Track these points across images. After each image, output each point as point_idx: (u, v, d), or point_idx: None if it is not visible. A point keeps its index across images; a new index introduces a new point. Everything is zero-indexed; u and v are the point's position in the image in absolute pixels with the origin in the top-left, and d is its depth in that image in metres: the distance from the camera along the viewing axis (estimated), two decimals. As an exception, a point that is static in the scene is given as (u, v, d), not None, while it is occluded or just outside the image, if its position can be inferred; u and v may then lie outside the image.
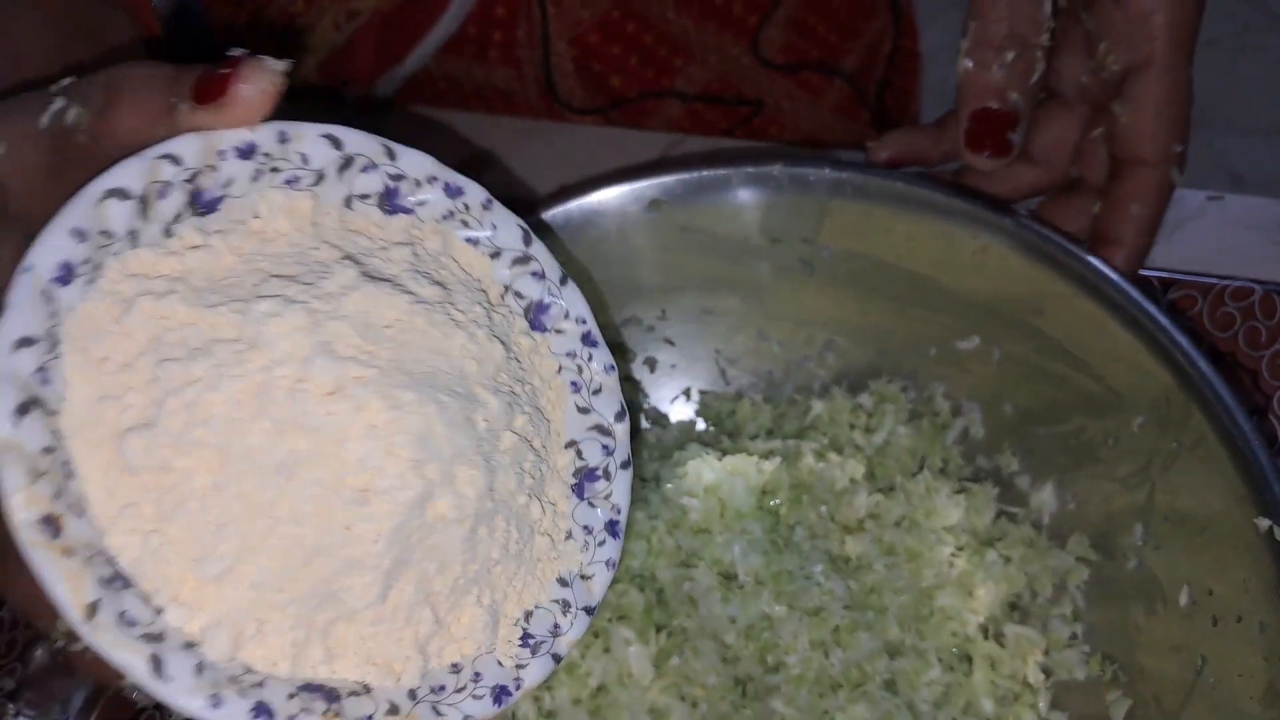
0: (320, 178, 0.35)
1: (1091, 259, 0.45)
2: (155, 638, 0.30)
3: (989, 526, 0.51)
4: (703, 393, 0.58)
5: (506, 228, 0.38)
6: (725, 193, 0.50)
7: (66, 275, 0.30)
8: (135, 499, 0.30)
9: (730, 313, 0.56)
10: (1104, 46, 0.46)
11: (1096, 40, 0.46)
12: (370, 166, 0.36)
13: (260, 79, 0.31)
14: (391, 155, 0.36)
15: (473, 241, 0.38)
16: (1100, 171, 0.50)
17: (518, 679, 0.35)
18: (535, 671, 0.36)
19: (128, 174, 0.31)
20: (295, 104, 0.34)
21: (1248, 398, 0.54)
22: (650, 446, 0.56)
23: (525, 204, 0.39)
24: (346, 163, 0.35)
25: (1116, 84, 0.46)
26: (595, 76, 0.73)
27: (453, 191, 0.37)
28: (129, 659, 0.29)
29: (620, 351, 0.57)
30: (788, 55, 0.75)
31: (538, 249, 0.39)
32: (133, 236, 0.31)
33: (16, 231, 0.32)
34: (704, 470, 0.50)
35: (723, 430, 0.57)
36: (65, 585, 0.28)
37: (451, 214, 0.37)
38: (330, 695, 0.32)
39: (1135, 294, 0.44)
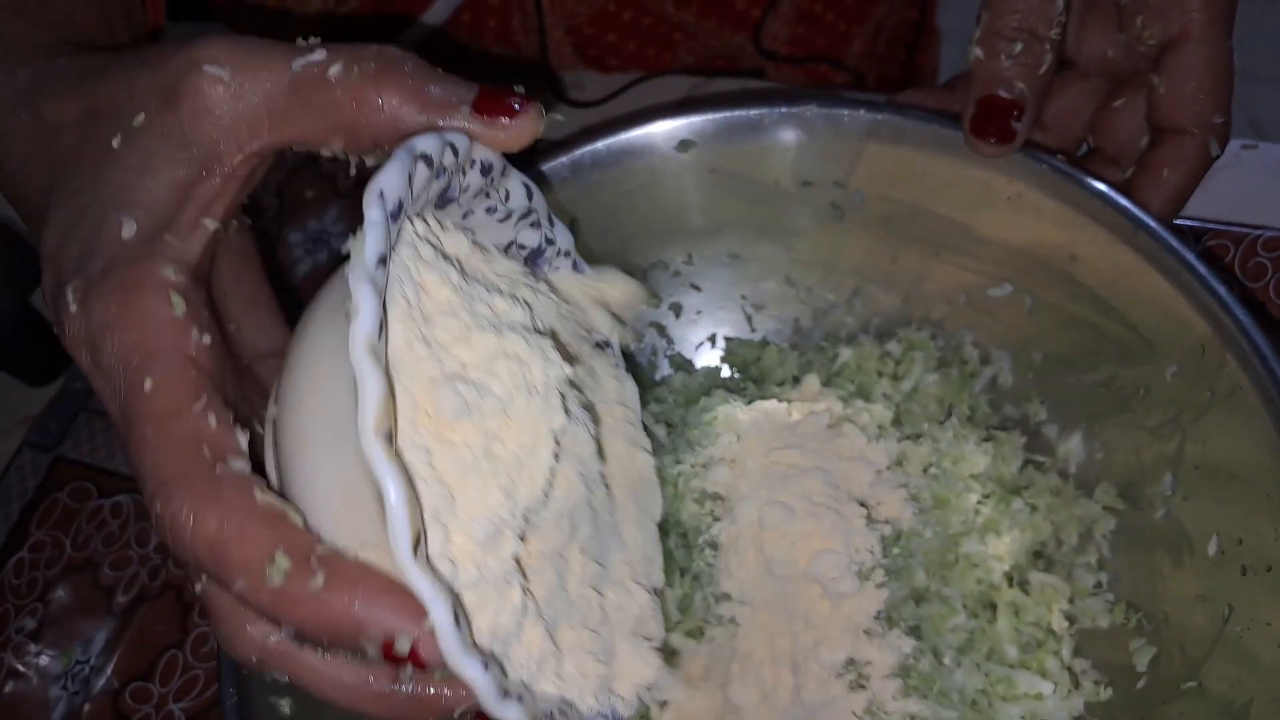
0: (507, 216, 0.38)
1: (1129, 206, 0.44)
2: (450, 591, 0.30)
3: (1015, 475, 0.51)
4: (728, 339, 0.58)
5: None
6: (757, 134, 0.50)
7: (396, 212, 0.30)
8: (428, 445, 0.30)
9: (758, 258, 0.55)
10: (1140, 20, 0.46)
11: (1131, 14, 0.46)
12: (536, 224, 0.39)
13: (537, 120, 0.34)
14: (551, 222, 0.40)
15: None
16: (1118, 142, 0.50)
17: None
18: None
19: (431, 145, 0.31)
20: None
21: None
22: (675, 392, 0.56)
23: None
24: (526, 213, 0.38)
25: (1154, 57, 0.46)
26: (593, 61, 0.72)
27: (579, 269, 0.42)
28: (438, 600, 0.28)
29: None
30: (792, 48, 0.75)
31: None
32: (415, 202, 0.32)
33: (194, 153, 0.33)
34: (734, 414, 0.50)
35: (748, 377, 0.56)
36: (406, 511, 0.27)
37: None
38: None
39: (1174, 241, 0.43)
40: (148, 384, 0.31)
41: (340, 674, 0.32)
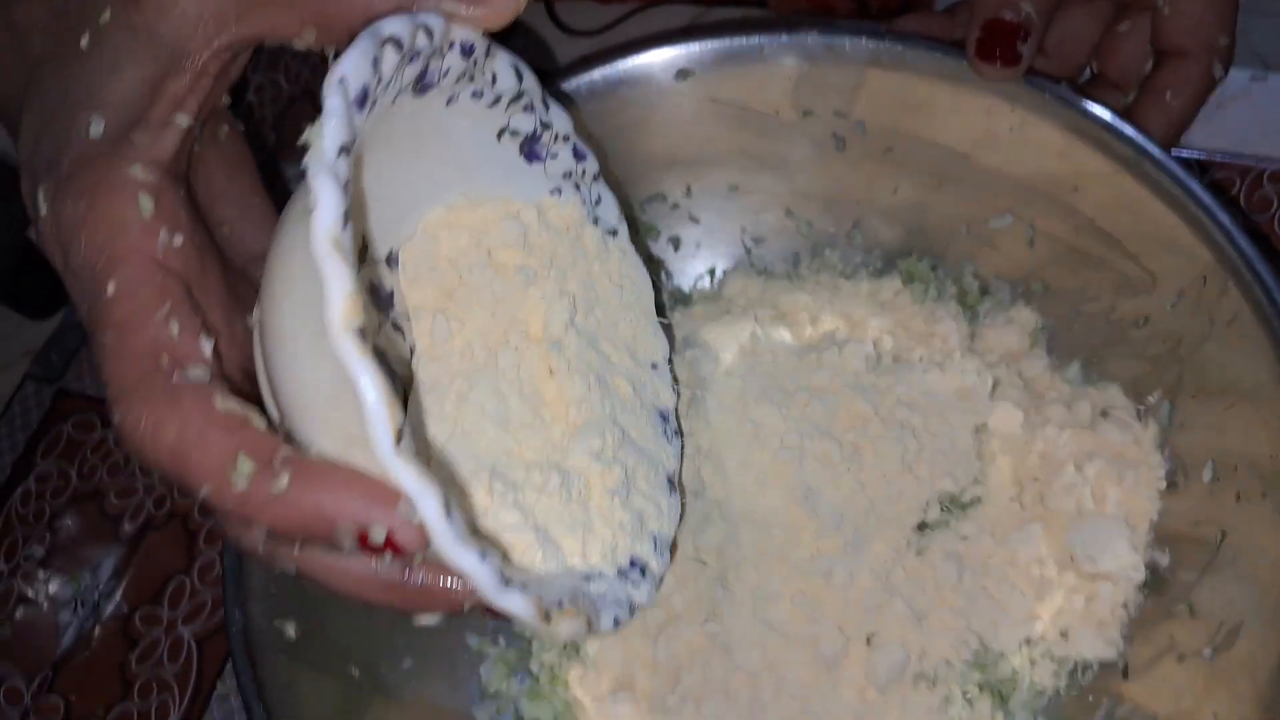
0: (496, 101, 0.37)
1: (1134, 134, 0.44)
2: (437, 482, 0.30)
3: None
4: (728, 273, 0.57)
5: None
6: (757, 62, 0.49)
7: (362, 99, 0.29)
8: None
9: (758, 190, 0.55)
10: None
11: None
12: (529, 108, 0.38)
13: None
14: (546, 105, 0.39)
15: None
16: (1122, 67, 0.49)
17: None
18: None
19: (400, 27, 0.30)
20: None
21: None
22: (675, 325, 0.56)
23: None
24: (517, 97, 0.37)
25: None
26: None
27: (580, 154, 0.41)
28: (426, 492, 0.28)
29: (643, 229, 0.57)
30: None
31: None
32: (386, 89, 0.31)
33: (161, 50, 0.32)
34: (738, 333, 0.50)
35: (747, 310, 0.56)
36: (384, 406, 0.27)
37: (569, 174, 0.41)
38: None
39: (1178, 170, 0.43)
40: (110, 288, 0.30)
41: (345, 564, 0.31)
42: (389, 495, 0.28)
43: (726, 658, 0.46)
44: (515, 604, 0.29)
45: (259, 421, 0.30)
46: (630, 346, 0.43)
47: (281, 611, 0.44)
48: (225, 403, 0.30)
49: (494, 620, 0.31)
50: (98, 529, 0.61)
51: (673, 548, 0.41)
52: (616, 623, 0.35)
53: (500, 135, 0.39)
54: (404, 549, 0.28)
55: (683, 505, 0.43)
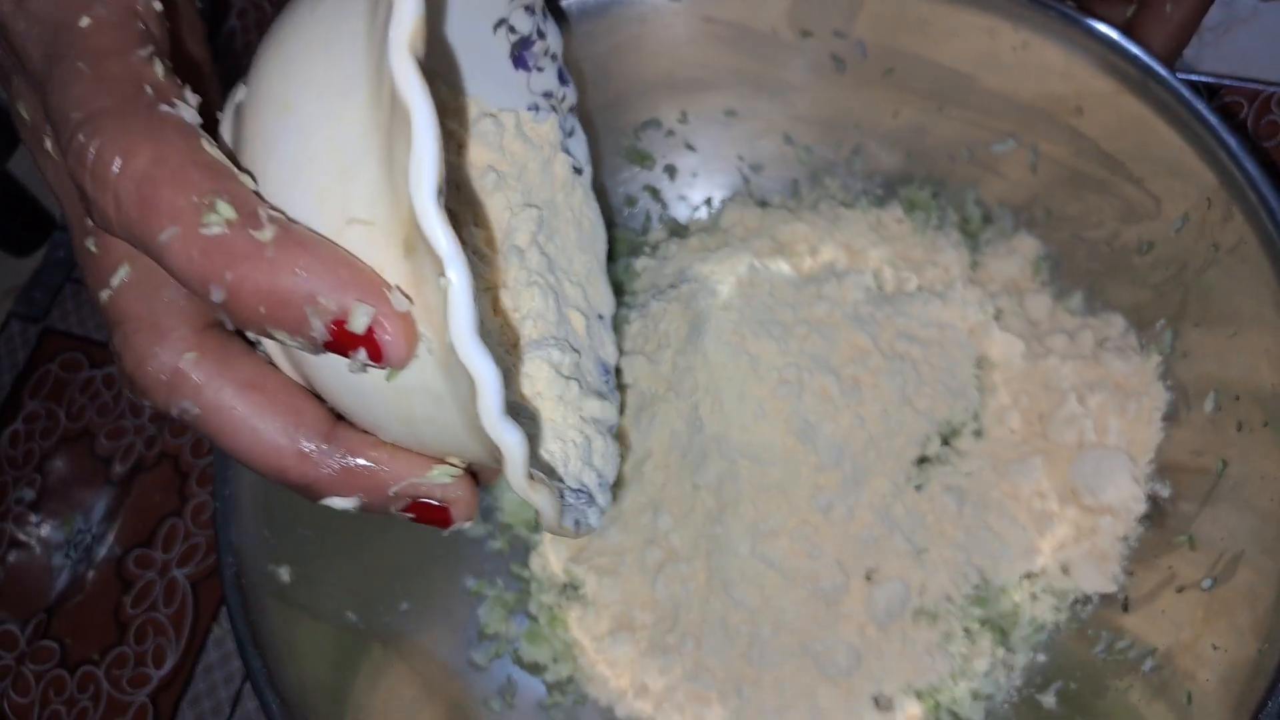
0: None
1: (1139, 53, 0.43)
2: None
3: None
4: (725, 203, 0.56)
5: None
6: (754, -19, 0.47)
7: None
8: None
9: (755, 115, 0.54)
10: None
11: None
12: (530, 9, 0.37)
13: None
14: (545, 14, 0.39)
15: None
16: None
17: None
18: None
19: None
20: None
21: None
22: (674, 258, 0.55)
23: None
24: None
25: None
26: None
27: (564, 79, 0.41)
28: (456, 259, 0.24)
29: (638, 158, 0.55)
30: None
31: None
32: None
33: None
34: (735, 266, 0.49)
35: (745, 240, 0.55)
36: (434, 141, 0.24)
37: (549, 94, 0.41)
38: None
39: (1183, 90, 0.42)
40: (85, 20, 0.27)
41: (261, 420, 0.28)
42: (381, 282, 0.25)
43: (725, 595, 0.45)
44: (512, 439, 0.26)
45: (247, 179, 0.26)
46: (584, 287, 0.42)
47: (275, 557, 0.43)
48: (214, 150, 0.26)
49: (423, 522, 0.30)
50: (88, 471, 0.60)
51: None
52: (577, 525, 0.34)
53: (497, 28, 0.37)
54: (385, 351, 0.25)
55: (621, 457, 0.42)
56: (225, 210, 0.25)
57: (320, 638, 0.43)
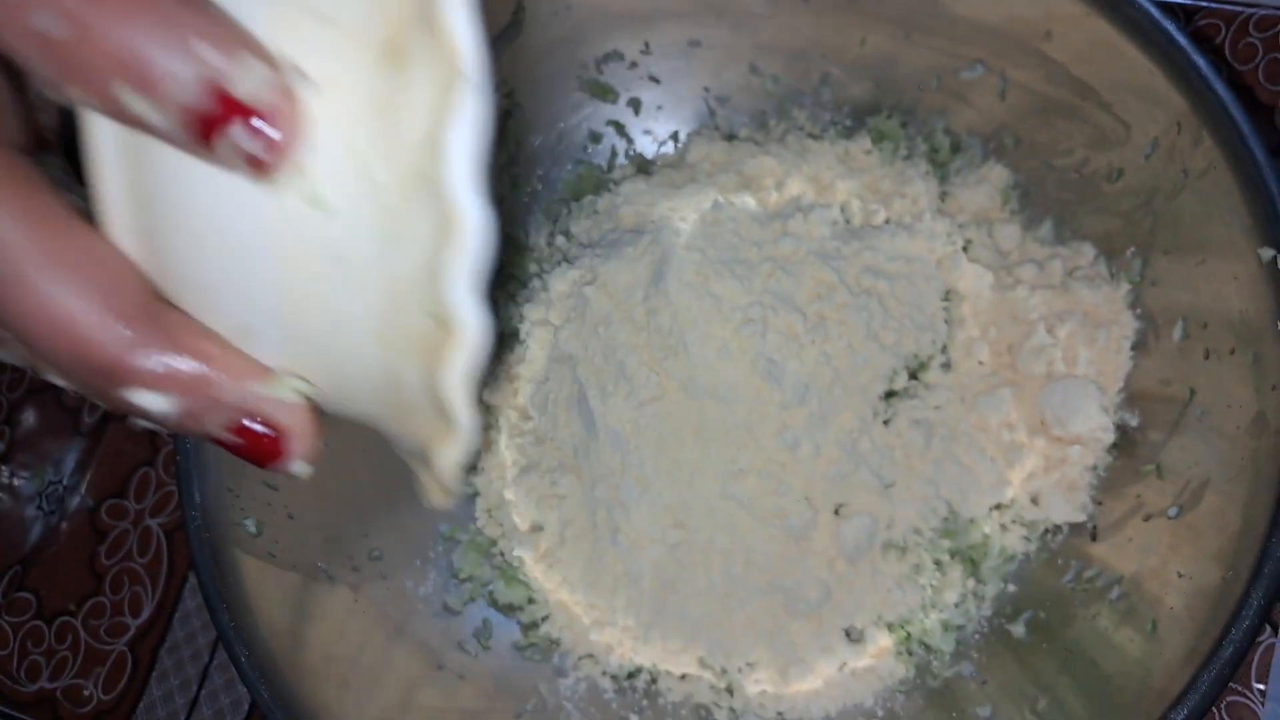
0: None
1: (1108, -26, 0.42)
2: None
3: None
4: (691, 137, 0.55)
5: None
6: (712, -93, 0.46)
7: None
8: None
9: (720, 44, 0.52)
10: None
11: None
12: None
13: None
14: None
15: None
16: None
17: None
18: None
19: None
20: None
21: (1265, 128, 0.52)
22: (639, 197, 0.53)
23: None
24: None
25: None
26: None
27: None
28: None
29: (600, 91, 0.54)
30: None
31: None
32: None
33: None
34: (700, 203, 0.48)
35: (712, 174, 0.54)
36: None
37: None
38: None
39: (1153, 12, 0.41)
40: None
41: (56, 272, 0.21)
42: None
43: (696, 534, 0.45)
44: (480, 316, 0.20)
45: None
46: None
47: (240, 509, 0.43)
48: None
49: (246, 454, 0.23)
50: (57, 422, 0.60)
51: None
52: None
53: None
54: (280, 142, 0.19)
55: None
56: None
57: (290, 587, 0.43)
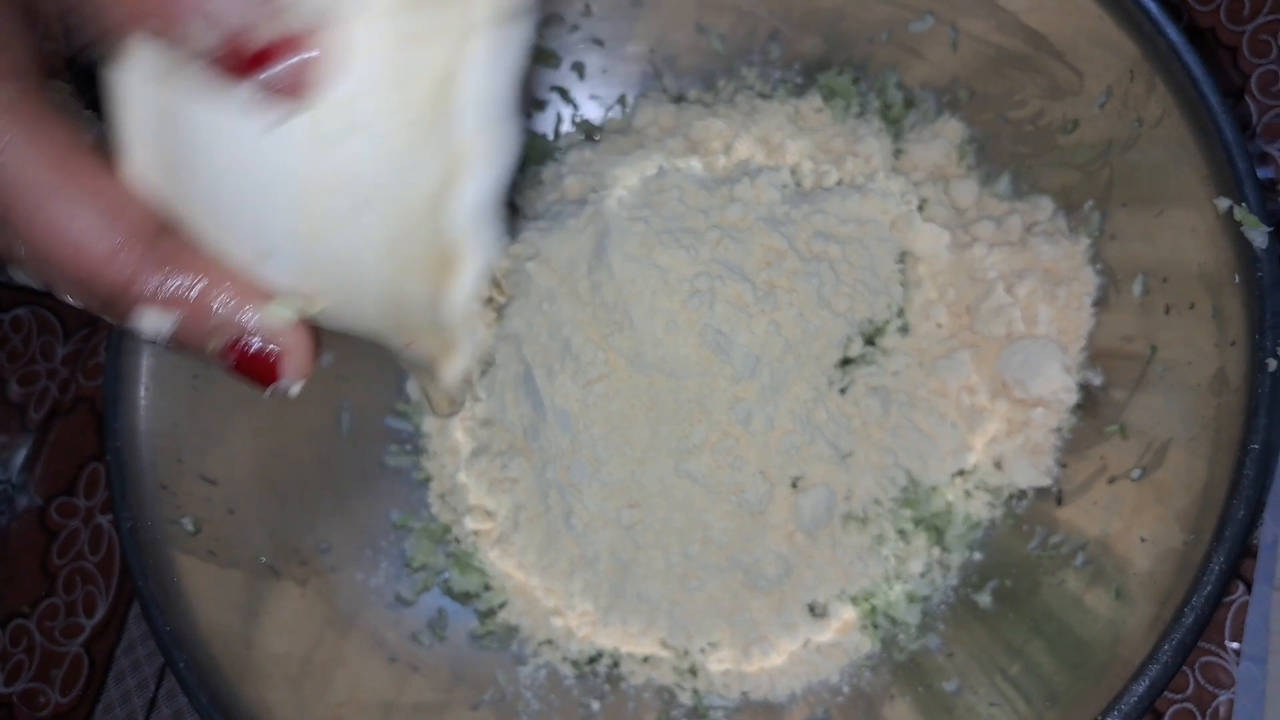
0: None
1: (1055, -85, 0.40)
2: None
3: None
4: (639, 100, 0.53)
5: None
6: None
7: None
8: None
9: (663, 3, 0.50)
10: None
11: None
12: None
13: None
14: None
15: None
16: None
17: None
18: None
19: None
20: None
21: (1223, 76, 0.50)
22: (584, 165, 0.52)
23: None
24: None
25: None
26: None
27: None
28: None
29: (542, 56, 0.52)
30: None
31: None
32: None
33: None
34: (644, 170, 0.47)
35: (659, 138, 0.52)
36: None
37: None
38: None
39: (1102, -47, 0.39)
40: None
41: (71, 203, 0.24)
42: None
43: (651, 513, 0.44)
44: (482, 236, 0.24)
45: None
46: None
47: (178, 505, 0.42)
48: None
49: (241, 373, 0.26)
50: (3, 419, 0.58)
51: None
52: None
53: None
54: (310, 75, 0.22)
55: None
56: None
57: (232, 586, 0.42)
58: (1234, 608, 0.46)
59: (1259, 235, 0.36)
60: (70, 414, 0.58)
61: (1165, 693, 0.41)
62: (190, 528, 0.42)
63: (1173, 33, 0.38)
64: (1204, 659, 0.46)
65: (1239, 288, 0.37)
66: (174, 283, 0.24)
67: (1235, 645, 0.46)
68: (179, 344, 0.25)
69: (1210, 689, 0.44)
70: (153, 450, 0.42)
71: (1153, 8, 0.38)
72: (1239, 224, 0.37)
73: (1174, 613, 0.35)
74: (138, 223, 0.24)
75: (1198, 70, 0.37)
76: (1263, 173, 0.45)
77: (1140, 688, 0.35)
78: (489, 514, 0.48)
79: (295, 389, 0.26)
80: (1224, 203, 0.37)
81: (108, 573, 0.54)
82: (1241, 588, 0.46)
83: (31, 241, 0.24)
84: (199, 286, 0.25)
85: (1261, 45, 0.47)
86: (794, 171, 0.48)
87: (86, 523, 0.55)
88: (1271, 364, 0.36)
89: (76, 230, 0.24)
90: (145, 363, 0.42)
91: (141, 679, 0.52)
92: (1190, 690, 0.45)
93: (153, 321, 0.25)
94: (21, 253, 0.25)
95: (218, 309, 0.25)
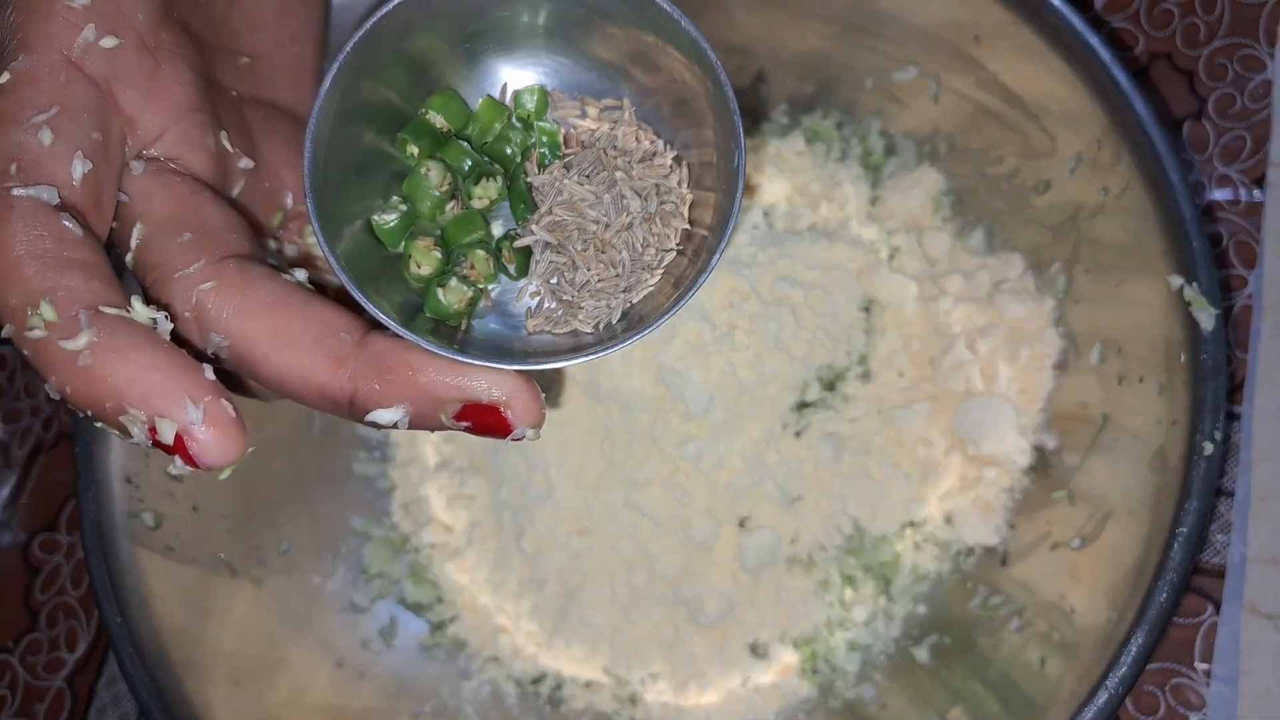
0: None
1: (1033, -21, 0.40)
2: None
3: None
4: (634, 126, 0.54)
5: None
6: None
7: None
8: None
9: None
10: None
11: None
12: None
13: None
14: None
15: None
16: None
17: None
18: None
19: None
20: None
21: (1180, 99, 0.49)
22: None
23: None
24: None
25: None
26: None
27: None
28: None
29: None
30: None
31: None
32: None
33: None
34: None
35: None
36: None
37: None
38: None
39: (1076, 23, 0.39)
40: (5, 75, 0.28)
41: (289, 335, 0.28)
42: (192, 388, 0.26)
43: (599, 541, 0.45)
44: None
45: (95, 259, 0.27)
46: None
47: (140, 499, 0.43)
48: (65, 230, 0.26)
49: (481, 431, 0.29)
50: (-13, 459, 0.59)
51: None
52: None
53: None
54: (197, 459, 0.26)
55: None
56: (47, 313, 0.25)
57: (188, 583, 0.43)
58: (1203, 629, 0.45)
59: (1207, 317, 0.36)
60: (54, 450, 0.58)
61: (1136, 715, 0.41)
62: (150, 522, 0.43)
63: (1140, 107, 0.38)
64: (1174, 680, 0.44)
65: (1184, 367, 0.37)
66: (390, 381, 0.27)
67: (1205, 666, 0.45)
68: (415, 424, 0.28)
69: (1181, 710, 0.43)
70: (121, 445, 0.43)
71: (1122, 79, 0.38)
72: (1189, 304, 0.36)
73: (1089, 690, 0.35)
74: (347, 329, 0.28)
75: (1161, 147, 0.37)
76: (1221, 194, 0.44)
77: (1049, 761, 0.35)
78: (447, 528, 0.49)
79: (532, 434, 0.29)
80: (1176, 280, 0.37)
81: (89, 607, 0.55)
82: (1210, 608, 0.45)
83: (269, 382, 0.28)
84: (412, 377, 0.27)
85: (1218, 69, 0.46)
86: (767, 213, 0.48)
87: (69, 558, 0.56)
88: (1208, 448, 0.36)
89: (298, 367, 0.28)
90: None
91: (123, 713, 0.53)
92: (1161, 712, 0.44)
93: (387, 417, 0.28)
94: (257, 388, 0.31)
95: (433, 390, 0.27)
